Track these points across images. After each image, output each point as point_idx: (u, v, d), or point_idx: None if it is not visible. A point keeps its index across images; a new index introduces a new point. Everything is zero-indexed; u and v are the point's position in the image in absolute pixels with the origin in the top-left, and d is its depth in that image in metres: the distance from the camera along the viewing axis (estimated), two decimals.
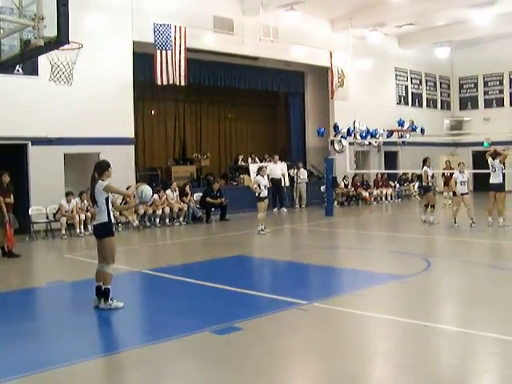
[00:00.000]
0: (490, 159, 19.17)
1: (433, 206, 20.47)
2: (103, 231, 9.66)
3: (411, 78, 36.50)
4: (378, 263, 13.90)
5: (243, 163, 28.41)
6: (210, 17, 24.80)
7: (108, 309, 9.44)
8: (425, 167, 20.62)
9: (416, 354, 7.34)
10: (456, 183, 19.32)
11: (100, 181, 9.60)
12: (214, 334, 8.06)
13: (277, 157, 27.14)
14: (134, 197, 10.34)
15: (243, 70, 28.19)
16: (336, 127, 29.94)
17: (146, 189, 10.13)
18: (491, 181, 19.14)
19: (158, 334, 8.20)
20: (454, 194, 19.60)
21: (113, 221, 9.88)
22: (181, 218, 22.23)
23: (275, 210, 26.02)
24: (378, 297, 10.39)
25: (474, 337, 7.93)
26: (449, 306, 10.00)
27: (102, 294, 9.51)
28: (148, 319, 9.50)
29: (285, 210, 26.30)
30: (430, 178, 20.81)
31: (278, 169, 26.56)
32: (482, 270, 12.61)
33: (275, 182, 25.61)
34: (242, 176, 27.13)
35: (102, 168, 9.72)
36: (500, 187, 19.13)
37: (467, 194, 19.42)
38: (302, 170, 28.56)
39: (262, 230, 18.79)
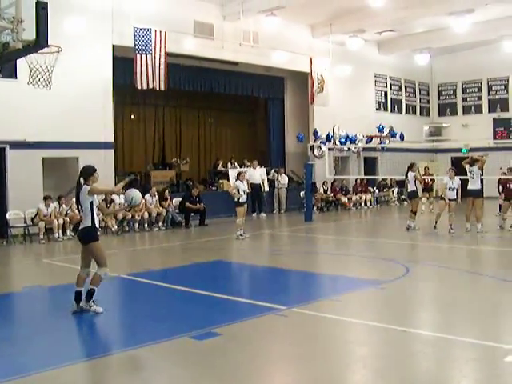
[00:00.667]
0: (467, 166, 19.30)
1: (415, 213, 20.56)
2: (87, 236, 9.68)
3: (391, 84, 36.68)
4: (357, 269, 13.93)
5: (223, 168, 28.38)
6: (191, 21, 24.78)
7: (87, 310, 9.44)
8: (411, 172, 20.65)
9: (394, 359, 7.38)
10: (445, 188, 19.44)
11: (85, 186, 9.59)
12: (192, 339, 8.03)
13: (256, 162, 27.13)
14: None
15: (223, 74, 28.17)
16: (315, 133, 29.99)
17: (135, 193, 10.13)
18: (469, 187, 19.26)
19: (136, 339, 8.16)
20: (442, 198, 19.53)
21: (97, 225, 9.82)
22: (160, 223, 22.18)
23: (254, 215, 26.02)
24: (357, 302, 10.41)
25: (451, 342, 7.97)
26: (427, 312, 10.05)
27: (87, 293, 9.47)
28: (126, 324, 9.45)
29: (264, 215, 26.31)
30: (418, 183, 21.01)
31: (257, 174, 26.55)
32: (459, 276, 12.69)
33: (254, 187, 25.61)
34: (221, 181, 27.11)
35: (88, 173, 9.75)
36: (478, 193, 19.27)
37: (455, 200, 19.48)
38: (282, 175, 28.57)
39: (240, 235, 18.79)
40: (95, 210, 9.69)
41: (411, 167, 20.83)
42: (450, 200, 19.38)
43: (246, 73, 28.70)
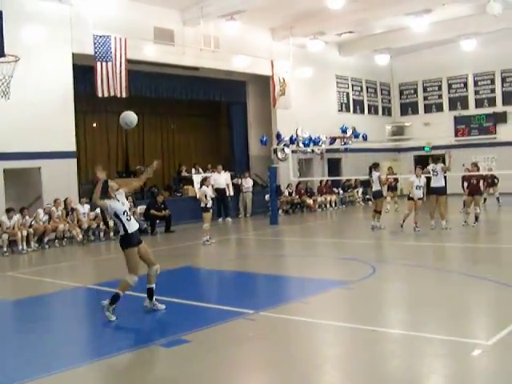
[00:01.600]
0: (431, 165, 19.51)
1: (379, 212, 20.67)
2: (121, 243, 9.94)
3: (352, 85, 36.89)
4: (324, 270, 13.98)
5: (186, 174, 28.27)
6: (151, 28, 24.67)
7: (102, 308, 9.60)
8: (375, 172, 20.78)
9: (364, 358, 7.40)
10: (412, 187, 19.50)
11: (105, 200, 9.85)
12: (161, 347, 7.99)
13: (220, 166, 27.04)
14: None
15: (185, 80, 28.09)
16: (278, 135, 30.02)
17: (129, 116, 10.44)
18: (432, 184, 19.49)
19: (104, 349, 8.10)
20: (410, 198, 19.58)
21: (131, 231, 9.95)
22: None
23: (220, 219, 25.95)
24: (325, 303, 10.43)
25: (420, 339, 8.02)
26: (395, 310, 10.10)
27: (112, 297, 9.58)
28: (94, 334, 9.37)
29: (229, 219, 26.25)
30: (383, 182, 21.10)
31: (222, 178, 26.50)
32: (426, 273, 12.78)
33: (219, 192, 25.56)
34: (185, 187, 27.01)
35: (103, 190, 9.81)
36: (441, 191, 19.47)
37: (422, 198, 19.60)
38: (247, 179, 28.56)
39: (207, 240, 18.72)
40: (123, 218, 9.82)
41: (375, 167, 20.94)
42: (418, 198, 19.44)
43: (208, 78, 28.63)
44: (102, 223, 21.30)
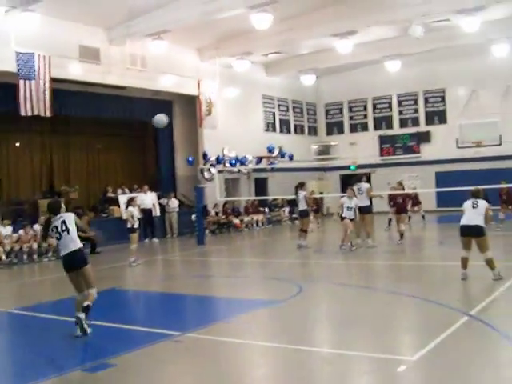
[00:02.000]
0: (356, 185, 19.77)
1: (306, 231, 20.78)
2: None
3: (279, 105, 37.18)
4: (251, 290, 13.95)
5: (112, 195, 27.90)
6: (76, 46, 24.29)
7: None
8: (301, 191, 20.91)
9: (291, 378, 7.43)
10: (343, 208, 19.48)
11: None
12: (85, 372, 7.83)
13: (146, 187, 26.77)
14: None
15: (111, 99, 27.72)
16: (205, 155, 29.98)
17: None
18: (358, 204, 19.69)
19: (25, 376, 7.85)
20: (342, 217, 19.51)
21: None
22: (49, 254, 21.57)
23: (146, 240, 25.70)
24: (253, 323, 10.39)
25: (347, 357, 8.09)
26: (322, 329, 10.14)
27: (85, 308, 9.72)
28: (15, 361, 9.07)
29: (156, 240, 26.04)
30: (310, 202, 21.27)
31: (148, 199, 26.25)
32: (352, 292, 12.90)
33: (146, 212, 25.31)
34: (111, 207, 26.66)
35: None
36: (367, 209, 19.72)
37: (353, 219, 19.57)
38: (172, 199, 28.40)
39: (134, 261, 18.50)
40: None
41: (301, 186, 21.09)
42: (349, 219, 19.29)
43: (134, 97, 28.37)
44: (26, 245, 20.84)
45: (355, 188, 19.89)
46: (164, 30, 24.53)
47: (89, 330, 9.51)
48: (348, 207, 19.39)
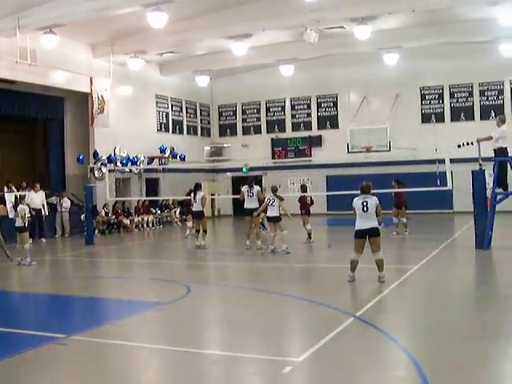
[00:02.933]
0: (245, 186, 19.95)
1: (205, 231, 20.88)
2: None
3: (172, 105, 36.94)
4: (139, 291, 13.75)
5: None
6: None
7: None
8: (200, 192, 20.98)
9: (178, 380, 7.41)
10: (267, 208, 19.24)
11: None
12: None
13: (38, 185, 25.90)
14: None
15: None
16: (96, 154, 29.44)
17: None
18: (246, 206, 20.07)
19: None
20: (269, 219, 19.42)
21: None
22: None
23: (31, 240, 24.64)
24: (139, 325, 10.25)
25: (234, 359, 8.09)
26: (209, 331, 10.10)
27: None
28: None
29: (44, 240, 25.33)
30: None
31: (38, 198, 25.46)
32: (241, 293, 12.94)
33: (35, 212, 24.54)
34: None
35: None
36: (253, 211, 19.89)
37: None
38: (65, 198, 27.75)
39: (30, 261, 17.69)
40: None
41: (199, 187, 21.11)
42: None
43: (24, 92, 27.53)
44: None
45: (245, 190, 20.02)
46: (56, 23, 23.88)
47: None
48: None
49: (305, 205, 21.71)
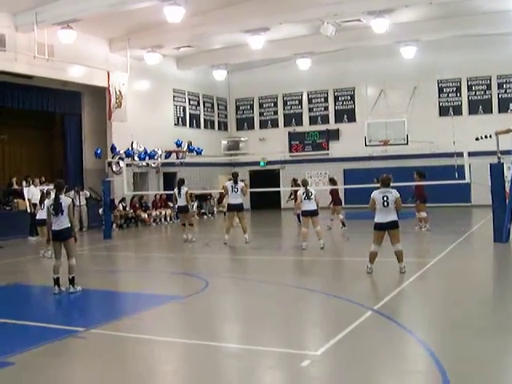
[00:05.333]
0: (230, 181, 20.27)
1: (191, 225, 21.89)
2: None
3: (189, 100, 36.94)
4: (158, 285, 13.78)
5: (17, 187, 27.08)
6: None
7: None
8: (184, 187, 21.64)
9: (197, 373, 7.38)
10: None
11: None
12: None
13: (37, 180, 25.18)
14: None
15: (17, 88, 26.97)
16: (113, 148, 29.52)
17: None
18: (230, 201, 20.48)
19: None
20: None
21: None
22: None
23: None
24: (158, 319, 10.28)
25: (253, 352, 8.08)
26: (228, 324, 10.10)
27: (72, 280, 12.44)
28: None
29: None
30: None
31: (38, 193, 25.04)
32: (258, 286, 12.92)
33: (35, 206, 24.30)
34: (16, 200, 25.84)
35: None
36: (239, 207, 20.21)
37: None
38: (85, 191, 27.87)
39: (44, 252, 17.75)
40: None
41: (183, 183, 21.89)
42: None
43: (42, 87, 27.68)
44: None
45: (229, 185, 20.29)
46: (74, 18, 24.01)
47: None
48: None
49: (337, 197, 23.18)
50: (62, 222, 12.47)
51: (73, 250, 12.77)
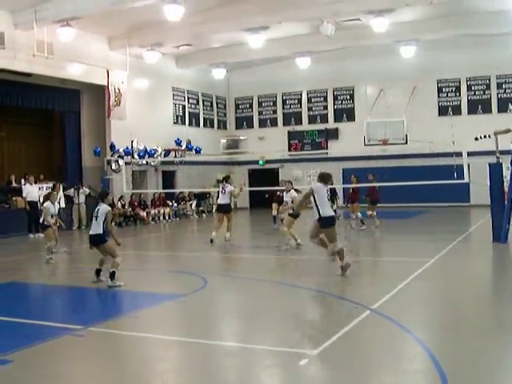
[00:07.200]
0: (222, 184, 20.51)
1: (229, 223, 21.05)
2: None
3: (188, 98, 36.95)
4: (157, 283, 13.80)
5: (16, 185, 27.05)
6: None
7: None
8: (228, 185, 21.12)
9: (194, 372, 7.40)
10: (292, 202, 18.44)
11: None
12: None
13: (32, 177, 25.30)
14: None
15: (15, 86, 26.89)
16: (112, 146, 29.53)
17: None
18: (219, 202, 20.53)
19: None
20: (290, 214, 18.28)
21: None
22: None
23: (31, 235, 24.24)
24: (156, 317, 10.28)
25: (250, 351, 8.09)
26: (225, 323, 10.10)
27: (112, 274, 12.80)
28: None
29: (41, 234, 24.98)
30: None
31: (35, 191, 25.12)
32: (257, 285, 12.94)
33: (32, 205, 24.20)
34: (14, 198, 25.81)
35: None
36: (227, 208, 20.22)
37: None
38: (84, 188, 27.83)
39: (51, 258, 16.98)
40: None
41: (228, 178, 21.02)
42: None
43: (41, 85, 27.63)
44: None
45: (221, 187, 20.46)
46: (73, 16, 24.01)
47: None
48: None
49: (374, 193, 23.07)
50: (94, 228, 13.25)
51: (110, 252, 13.37)
